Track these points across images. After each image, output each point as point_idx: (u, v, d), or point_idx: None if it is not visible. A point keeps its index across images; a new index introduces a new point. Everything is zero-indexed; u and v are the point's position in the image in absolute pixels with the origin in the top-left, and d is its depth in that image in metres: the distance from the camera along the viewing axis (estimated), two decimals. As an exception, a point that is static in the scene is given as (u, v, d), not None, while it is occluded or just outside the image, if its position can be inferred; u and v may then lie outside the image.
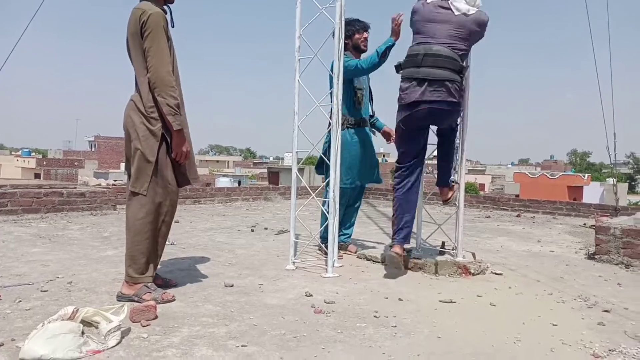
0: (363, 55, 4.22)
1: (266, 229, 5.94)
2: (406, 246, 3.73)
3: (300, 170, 4.10)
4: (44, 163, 38.92)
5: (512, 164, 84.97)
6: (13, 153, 56.34)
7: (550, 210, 8.83)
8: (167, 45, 2.81)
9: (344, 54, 3.98)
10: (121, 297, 2.83)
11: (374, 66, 4.03)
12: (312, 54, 3.74)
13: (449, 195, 3.97)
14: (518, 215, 8.52)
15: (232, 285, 3.24)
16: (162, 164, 2.85)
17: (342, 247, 4.34)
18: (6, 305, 2.68)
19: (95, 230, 5.29)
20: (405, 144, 3.77)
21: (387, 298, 3.11)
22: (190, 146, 3.01)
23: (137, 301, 2.75)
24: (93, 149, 54.44)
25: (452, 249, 4.08)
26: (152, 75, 2.76)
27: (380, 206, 9.40)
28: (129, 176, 2.93)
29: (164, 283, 3.09)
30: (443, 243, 4.25)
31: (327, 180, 4.10)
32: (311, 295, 3.07)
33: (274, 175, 34.76)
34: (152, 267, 2.90)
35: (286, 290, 3.19)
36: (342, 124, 4.05)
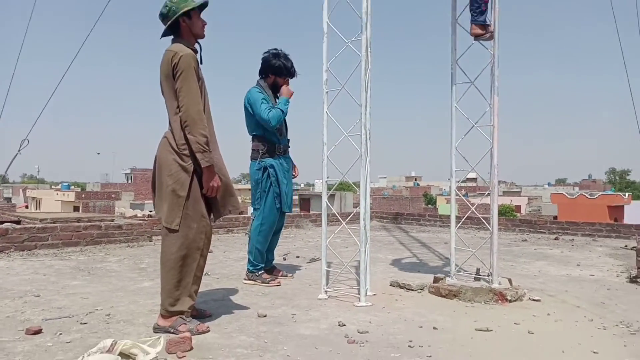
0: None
1: (298, 257, 5.95)
2: (440, 273, 3.68)
3: (332, 196, 4.14)
4: (83, 196, 40.12)
5: (549, 184, 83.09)
6: (53, 187, 58.32)
7: (589, 232, 8.57)
8: (197, 85, 2.91)
9: (257, 88, 4.36)
10: (157, 329, 2.88)
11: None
12: (339, 86, 3.81)
13: (475, 30, 3.96)
14: (556, 238, 8.30)
15: (265, 316, 3.26)
16: (195, 198, 2.93)
17: (269, 271, 4.49)
18: (47, 337, 2.77)
19: (132, 262, 5.42)
20: None
21: (421, 327, 3.07)
22: (228, 178, 3.10)
23: (172, 333, 2.80)
24: (129, 181, 55.92)
25: (488, 275, 4.01)
26: (183, 114, 2.86)
27: (413, 231, 9.31)
28: (154, 207, 3.05)
29: (198, 314, 3.14)
30: (478, 269, 4.18)
31: (255, 207, 4.38)
32: (344, 325, 3.06)
33: (305, 202, 34.86)
34: (188, 300, 2.94)
35: (319, 320, 3.19)
36: (273, 152, 4.32)
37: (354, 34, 3.73)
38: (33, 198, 46.80)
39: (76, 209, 34.04)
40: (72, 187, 52.83)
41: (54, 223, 6.71)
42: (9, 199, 50.73)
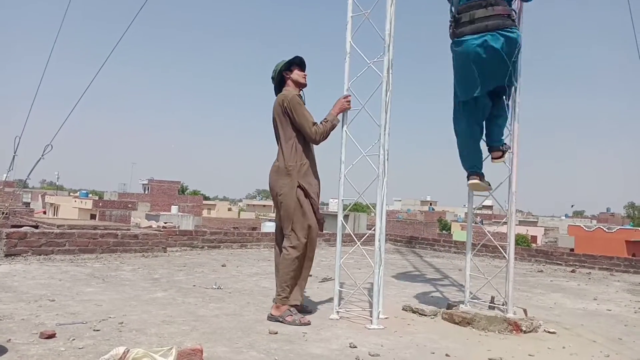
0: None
1: (310, 275, 5.92)
2: (454, 300, 3.62)
3: (345, 217, 4.13)
4: (100, 204, 40.56)
5: (566, 216, 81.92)
6: (72, 194, 59.09)
7: (607, 266, 8.40)
8: (309, 113, 3.68)
9: None
10: (270, 318, 3.54)
11: None
12: (359, 105, 3.84)
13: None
14: (573, 271, 8.15)
15: (277, 333, 3.25)
16: (301, 210, 3.61)
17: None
18: (60, 342, 2.79)
19: (146, 272, 5.45)
20: None
21: (433, 353, 3.03)
22: (318, 200, 3.77)
23: (281, 322, 3.45)
24: (146, 192, 56.44)
25: (502, 304, 3.95)
26: (307, 134, 3.65)
27: (427, 256, 9.23)
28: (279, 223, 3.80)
29: (302, 309, 3.73)
30: (492, 298, 4.12)
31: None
32: (355, 347, 3.03)
33: (318, 221, 34.78)
34: (298, 294, 3.62)
35: (330, 341, 3.17)
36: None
37: (375, 54, 3.78)
38: (51, 204, 47.45)
39: (93, 216, 34.42)
40: (90, 195, 53.51)
41: (71, 229, 6.80)
42: (27, 204, 51.48)
